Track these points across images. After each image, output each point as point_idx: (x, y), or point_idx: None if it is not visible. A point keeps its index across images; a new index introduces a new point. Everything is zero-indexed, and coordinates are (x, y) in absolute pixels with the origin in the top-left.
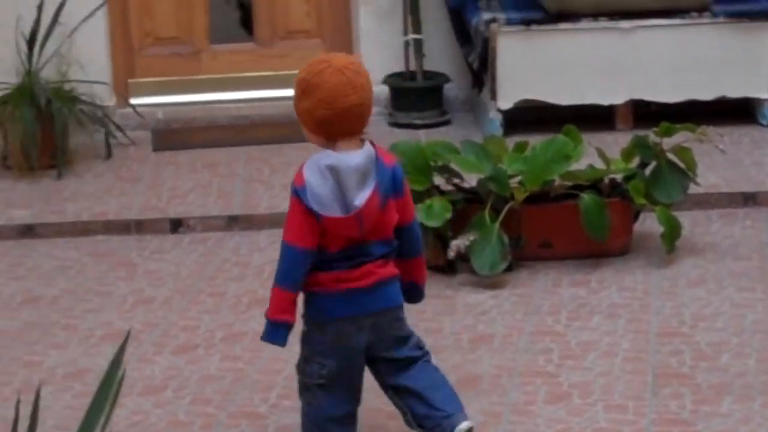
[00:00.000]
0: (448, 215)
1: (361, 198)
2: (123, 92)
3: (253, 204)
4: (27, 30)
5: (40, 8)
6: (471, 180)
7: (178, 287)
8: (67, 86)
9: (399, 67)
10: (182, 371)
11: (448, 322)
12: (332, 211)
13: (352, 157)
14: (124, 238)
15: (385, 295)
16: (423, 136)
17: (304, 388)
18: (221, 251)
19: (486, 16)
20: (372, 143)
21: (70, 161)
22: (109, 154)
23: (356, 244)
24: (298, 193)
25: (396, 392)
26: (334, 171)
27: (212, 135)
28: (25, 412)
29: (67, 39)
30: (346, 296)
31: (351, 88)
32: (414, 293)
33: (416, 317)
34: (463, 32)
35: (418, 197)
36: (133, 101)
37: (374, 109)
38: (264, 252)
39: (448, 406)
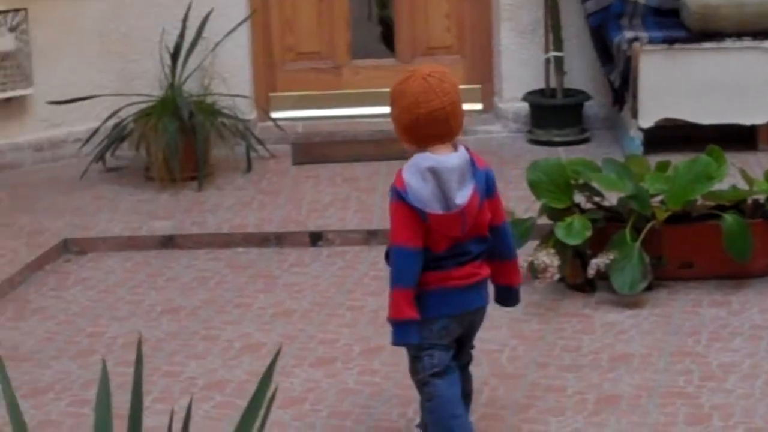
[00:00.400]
0: (588, 233)
1: (462, 197)
2: (264, 106)
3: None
4: (171, 43)
5: (184, 22)
6: (611, 198)
7: (317, 300)
8: (209, 99)
9: (539, 84)
10: (320, 384)
11: (586, 340)
12: (432, 208)
13: (449, 158)
14: (263, 251)
15: (482, 294)
16: (563, 154)
17: (423, 386)
18: (360, 265)
19: (628, 34)
20: (466, 148)
21: (210, 174)
22: (249, 167)
23: (459, 243)
24: (401, 196)
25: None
26: (434, 172)
27: (352, 149)
28: (161, 422)
29: (211, 53)
30: (452, 294)
31: (434, 93)
32: (511, 296)
33: (554, 335)
34: (604, 50)
35: (558, 215)
36: (274, 115)
37: (514, 126)
38: None
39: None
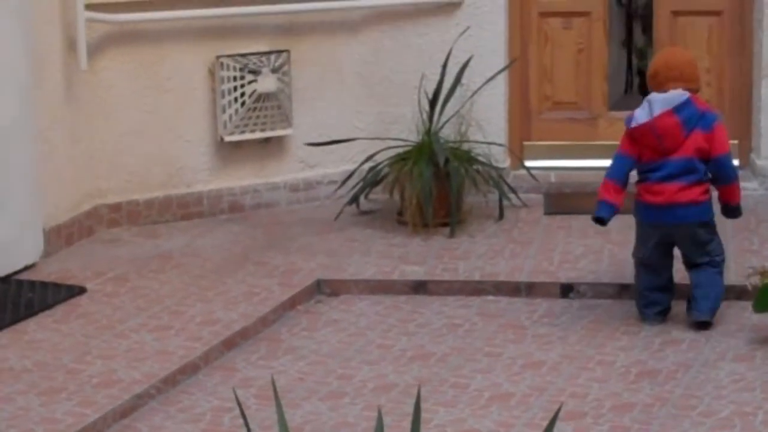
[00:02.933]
0: None
1: (657, 112)
2: (518, 154)
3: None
4: (430, 89)
5: (444, 68)
6: None
7: (566, 353)
8: (465, 146)
9: None
10: None
11: None
12: (639, 121)
13: (665, 93)
14: (513, 300)
15: (678, 214)
16: None
17: (635, 265)
18: (611, 320)
19: None
20: (693, 97)
21: (462, 220)
22: (501, 216)
23: (660, 159)
24: (627, 121)
25: (689, 277)
26: (650, 101)
27: None
28: None
29: (468, 100)
30: (646, 207)
31: (672, 55)
32: (728, 211)
33: None
34: None
35: None
36: (528, 164)
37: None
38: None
39: (702, 305)
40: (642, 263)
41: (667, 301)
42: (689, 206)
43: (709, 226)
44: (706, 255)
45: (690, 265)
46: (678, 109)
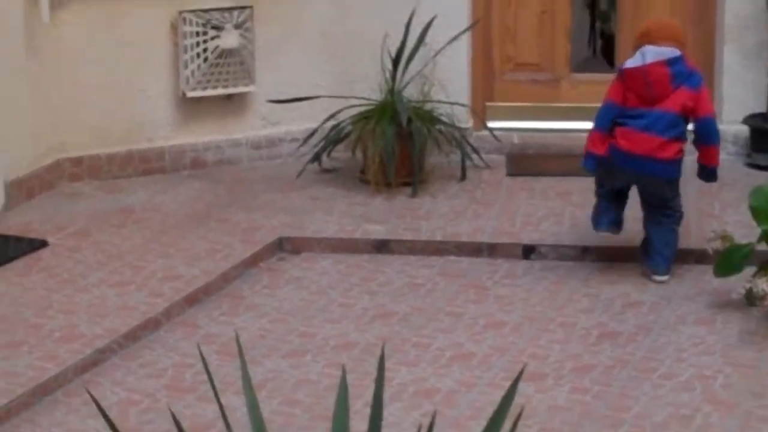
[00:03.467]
0: None
1: (650, 60)
2: (481, 115)
3: (608, 236)
4: (393, 48)
5: (407, 27)
6: None
7: (527, 314)
8: (427, 106)
9: (761, 107)
10: (531, 400)
11: None
12: (631, 65)
13: (658, 47)
14: (475, 261)
15: (651, 168)
16: None
17: (595, 195)
18: (572, 281)
19: None
20: (682, 55)
21: (424, 180)
22: (463, 176)
23: (645, 108)
24: (619, 69)
25: (644, 219)
26: (642, 52)
27: (567, 164)
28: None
29: (432, 60)
30: (621, 153)
31: (663, 19)
32: (704, 173)
33: None
34: None
35: None
36: (490, 124)
37: (732, 149)
38: (615, 285)
39: (657, 260)
40: (601, 195)
41: (620, 213)
42: (664, 162)
43: (676, 183)
44: (667, 210)
45: (649, 216)
46: (670, 62)
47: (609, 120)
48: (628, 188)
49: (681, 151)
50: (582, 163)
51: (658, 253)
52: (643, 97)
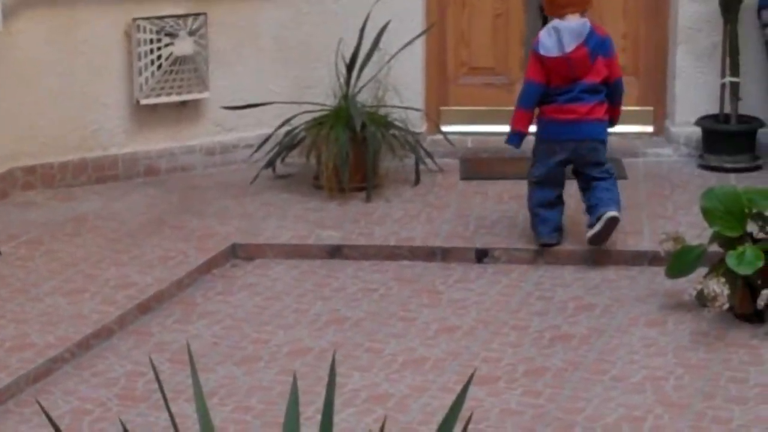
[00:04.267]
0: (760, 264)
1: (570, 46)
2: (435, 119)
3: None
4: (347, 53)
5: (361, 32)
6: None
7: (481, 318)
8: (381, 111)
9: (713, 109)
10: (483, 403)
11: (753, 372)
12: (551, 53)
13: (571, 22)
14: (428, 265)
15: (584, 130)
16: (734, 181)
17: (528, 185)
18: (525, 284)
19: None
20: (591, 21)
21: (379, 185)
22: (417, 180)
23: (570, 84)
24: (534, 47)
25: (583, 194)
26: (557, 30)
27: (520, 167)
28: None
29: (386, 65)
30: (557, 125)
31: None
32: (611, 124)
33: (721, 365)
34: None
35: (730, 243)
36: (444, 129)
37: (684, 150)
38: (568, 288)
39: (610, 203)
40: (537, 182)
41: (557, 217)
42: (596, 123)
43: (605, 144)
44: (603, 170)
45: (588, 182)
46: (586, 41)
47: (534, 100)
48: (565, 165)
49: (607, 112)
50: (507, 140)
51: (609, 200)
52: (566, 77)
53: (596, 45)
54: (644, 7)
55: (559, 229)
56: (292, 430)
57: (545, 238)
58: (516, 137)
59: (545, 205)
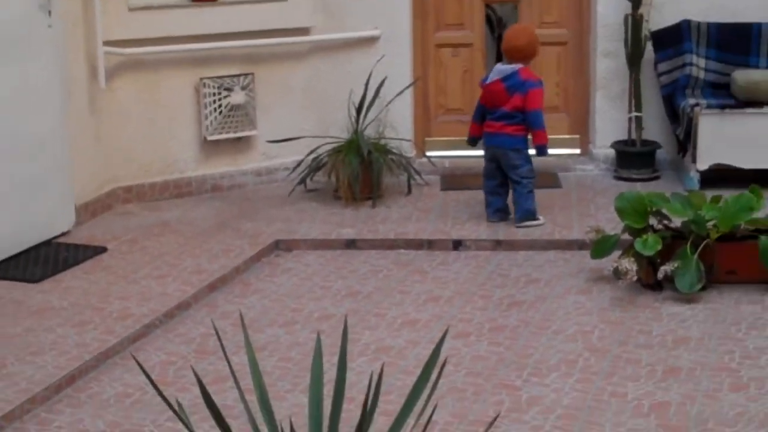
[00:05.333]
0: (659, 247)
1: (491, 80)
2: (421, 147)
3: (513, 232)
4: (356, 100)
5: (366, 85)
6: (677, 222)
7: (457, 290)
8: (382, 141)
9: (623, 135)
10: (460, 351)
11: (656, 326)
12: (482, 83)
13: (503, 65)
14: (418, 252)
15: (498, 140)
16: (640, 188)
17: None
18: (489, 265)
19: (691, 101)
20: (522, 67)
21: (381, 195)
22: (409, 191)
23: (494, 108)
24: (483, 80)
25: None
26: (493, 69)
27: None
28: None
29: (384, 108)
30: (486, 135)
31: (517, 40)
32: (538, 150)
33: (632, 321)
34: (672, 113)
35: (637, 233)
36: (428, 154)
37: (603, 166)
38: (521, 267)
39: (516, 206)
40: (484, 175)
41: (501, 202)
42: (505, 136)
43: (520, 152)
44: (517, 176)
45: (509, 182)
46: (505, 78)
47: (479, 115)
48: (498, 163)
49: (519, 131)
50: (467, 141)
51: (517, 210)
52: (492, 102)
53: (514, 84)
54: (572, 64)
55: (501, 211)
56: (317, 373)
57: (489, 218)
58: (471, 139)
59: (489, 192)
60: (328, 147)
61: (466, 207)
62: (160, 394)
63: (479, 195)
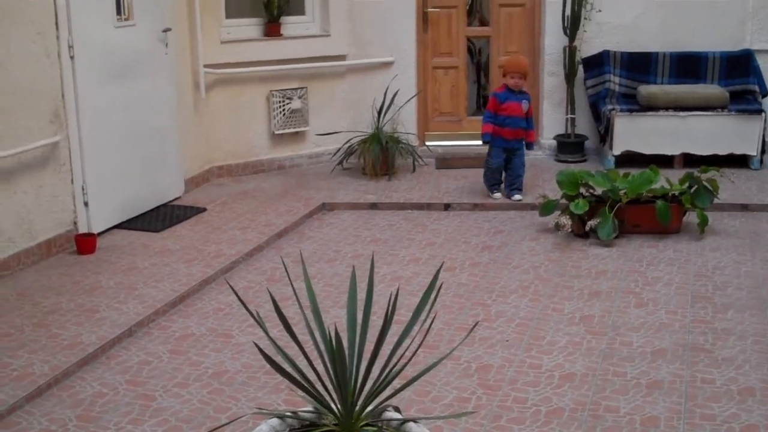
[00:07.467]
0: (586, 208)
1: (511, 102)
2: (422, 139)
3: (486, 196)
4: (377, 105)
5: (384, 95)
6: (599, 191)
7: (448, 238)
8: (395, 134)
9: (562, 130)
10: (448, 280)
11: (584, 263)
12: (503, 102)
13: (514, 90)
14: (420, 212)
15: (515, 143)
16: (572, 167)
17: (485, 167)
18: (470, 222)
19: (609, 107)
20: (525, 90)
21: (395, 172)
22: (414, 170)
23: (509, 116)
24: (494, 93)
25: (507, 178)
26: (507, 89)
27: (467, 162)
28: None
29: (397, 111)
30: (502, 138)
31: (518, 64)
32: (527, 145)
33: (567, 260)
34: (596, 114)
35: (571, 198)
36: (428, 143)
37: (548, 152)
38: (491, 222)
39: (520, 185)
40: (491, 167)
41: (500, 181)
42: (521, 139)
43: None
44: (522, 166)
45: (515, 174)
46: (519, 98)
47: (489, 119)
48: (504, 158)
49: (525, 133)
50: (483, 138)
51: (520, 185)
52: (509, 114)
53: (523, 99)
54: (527, 80)
55: (498, 186)
56: (352, 294)
57: (494, 192)
58: (485, 136)
59: (494, 179)
60: (358, 138)
61: (453, 180)
62: (245, 307)
63: (464, 172)
